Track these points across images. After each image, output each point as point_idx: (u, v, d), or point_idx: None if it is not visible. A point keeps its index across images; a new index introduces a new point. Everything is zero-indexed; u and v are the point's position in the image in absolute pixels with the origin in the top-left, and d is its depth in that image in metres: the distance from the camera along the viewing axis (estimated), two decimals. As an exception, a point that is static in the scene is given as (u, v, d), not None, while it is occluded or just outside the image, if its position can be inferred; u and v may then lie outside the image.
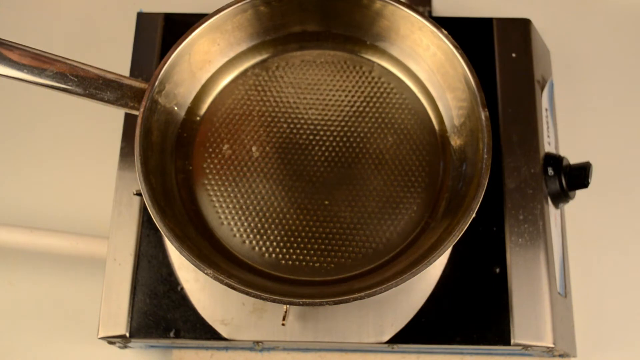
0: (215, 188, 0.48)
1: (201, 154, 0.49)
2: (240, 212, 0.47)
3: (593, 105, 0.64)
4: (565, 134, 0.58)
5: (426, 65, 0.49)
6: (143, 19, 0.57)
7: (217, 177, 0.48)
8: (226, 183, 0.48)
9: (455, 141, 0.47)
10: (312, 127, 0.49)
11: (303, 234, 0.46)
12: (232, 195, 0.47)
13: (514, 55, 0.54)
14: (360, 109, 0.50)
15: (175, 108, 0.48)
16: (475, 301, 0.47)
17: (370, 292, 0.39)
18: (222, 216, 0.47)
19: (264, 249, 0.46)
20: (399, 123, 0.49)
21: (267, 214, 0.47)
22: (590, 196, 0.55)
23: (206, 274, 0.40)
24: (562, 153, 0.54)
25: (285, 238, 0.46)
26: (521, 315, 0.47)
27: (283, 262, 0.46)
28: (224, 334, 0.47)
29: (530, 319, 0.47)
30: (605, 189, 0.58)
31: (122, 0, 0.69)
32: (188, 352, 0.51)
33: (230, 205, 0.47)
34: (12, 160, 0.63)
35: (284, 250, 0.46)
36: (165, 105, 0.47)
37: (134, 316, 0.47)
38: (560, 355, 0.49)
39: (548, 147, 0.52)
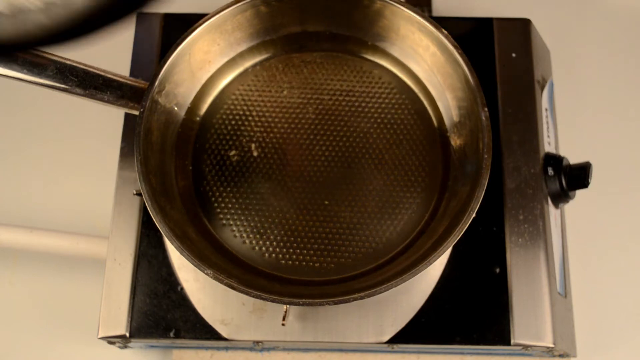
0: (215, 188, 0.48)
1: (201, 154, 0.49)
2: (240, 212, 0.47)
3: (593, 105, 0.64)
4: (565, 134, 0.58)
5: (426, 65, 0.49)
6: (143, 19, 0.56)
7: (217, 177, 0.48)
8: (226, 183, 0.48)
9: (455, 141, 0.47)
10: (312, 127, 0.49)
11: (303, 234, 0.46)
12: (232, 195, 0.47)
13: (514, 55, 0.54)
14: (360, 109, 0.50)
15: (175, 108, 0.48)
16: (475, 301, 0.47)
17: (370, 292, 0.39)
18: (222, 216, 0.47)
19: (264, 249, 0.46)
20: (399, 123, 0.49)
21: (267, 214, 0.47)
22: (590, 196, 0.55)
23: (206, 274, 0.40)
24: (562, 153, 0.54)
25: (285, 238, 0.46)
26: (521, 315, 0.47)
27: (283, 262, 0.46)
28: (224, 334, 0.47)
29: (530, 319, 0.47)
30: (605, 189, 0.58)
31: (122, 0, 0.69)
32: (188, 352, 0.51)
33: (230, 205, 0.47)
34: (12, 160, 0.63)
35: (284, 250, 0.46)
36: (165, 105, 0.47)
37: (134, 316, 0.47)
38: (560, 355, 0.49)
39: (548, 147, 0.52)
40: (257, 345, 0.48)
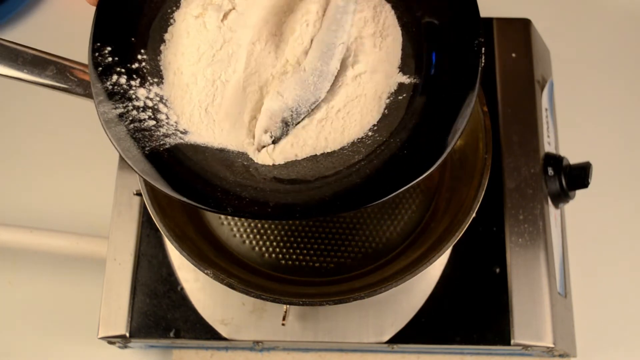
0: (215, 188, 0.48)
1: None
2: (240, 212, 0.47)
3: (593, 105, 0.64)
4: (565, 134, 0.58)
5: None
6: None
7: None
8: (226, 183, 0.48)
9: (455, 141, 0.47)
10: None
11: (303, 234, 0.46)
12: (232, 195, 0.47)
13: (514, 55, 0.54)
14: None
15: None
16: (475, 301, 0.47)
17: (370, 292, 0.39)
18: (222, 216, 0.47)
19: (264, 249, 0.46)
20: (399, 123, 0.49)
21: (267, 214, 0.47)
22: (590, 196, 0.55)
23: (206, 274, 0.39)
24: (562, 153, 0.54)
25: (285, 238, 0.46)
26: (521, 315, 0.47)
27: (283, 262, 0.46)
28: (224, 334, 0.47)
29: (530, 319, 0.47)
30: (605, 189, 0.58)
31: (122, 0, 0.69)
32: (188, 352, 0.51)
33: (230, 205, 0.47)
34: (13, 160, 0.63)
35: (284, 250, 0.46)
36: (165, 105, 0.47)
37: (134, 316, 0.47)
38: (560, 355, 0.49)
39: (548, 147, 0.52)
40: (257, 345, 0.48)
